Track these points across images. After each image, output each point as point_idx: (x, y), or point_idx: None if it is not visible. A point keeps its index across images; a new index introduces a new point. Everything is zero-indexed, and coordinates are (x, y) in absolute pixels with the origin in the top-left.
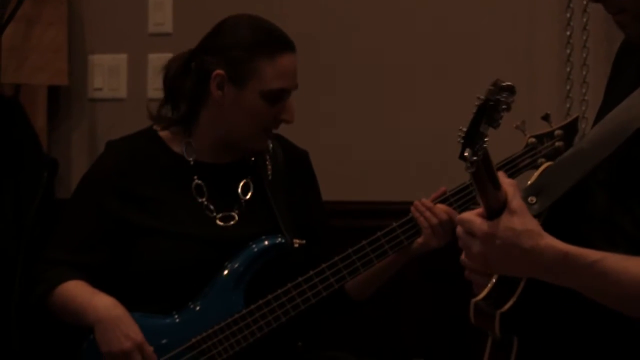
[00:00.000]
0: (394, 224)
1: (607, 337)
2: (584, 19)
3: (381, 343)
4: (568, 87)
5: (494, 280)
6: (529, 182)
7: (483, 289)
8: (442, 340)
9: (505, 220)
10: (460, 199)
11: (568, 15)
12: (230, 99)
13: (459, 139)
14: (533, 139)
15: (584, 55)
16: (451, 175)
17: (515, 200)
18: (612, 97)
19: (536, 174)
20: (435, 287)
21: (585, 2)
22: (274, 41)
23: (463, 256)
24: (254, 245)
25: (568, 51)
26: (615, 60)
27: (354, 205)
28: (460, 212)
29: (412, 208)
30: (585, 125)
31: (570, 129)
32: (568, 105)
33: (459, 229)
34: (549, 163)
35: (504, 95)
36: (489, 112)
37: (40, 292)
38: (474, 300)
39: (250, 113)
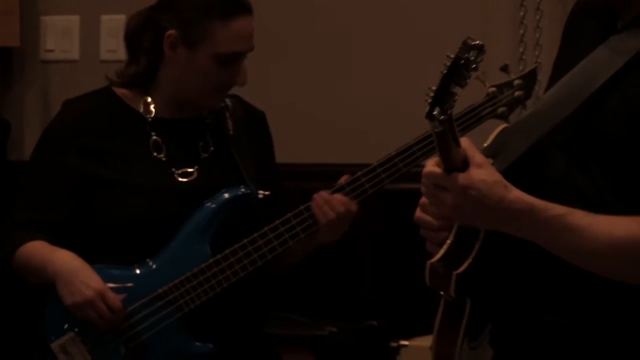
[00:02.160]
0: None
1: (561, 298)
2: None
3: (334, 306)
4: (522, 49)
5: (449, 242)
6: (485, 144)
7: (437, 246)
8: (396, 304)
9: (476, 173)
10: (355, 189)
11: None
12: (183, 59)
13: (427, 98)
14: (493, 89)
15: (538, 17)
16: (400, 138)
17: (478, 155)
18: (568, 59)
19: (492, 135)
20: (389, 249)
21: None
22: (229, 4)
23: (417, 213)
24: (218, 196)
25: (522, 13)
26: (568, 22)
27: (307, 167)
28: (356, 203)
29: (312, 202)
30: (537, 87)
31: (530, 79)
32: (521, 68)
33: (425, 183)
34: (504, 125)
35: (474, 54)
36: (458, 71)
37: (2, 255)
38: (429, 261)
39: (202, 74)
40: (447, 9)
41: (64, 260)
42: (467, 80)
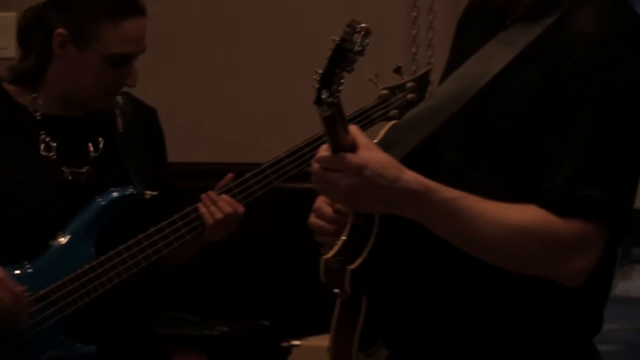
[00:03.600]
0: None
1: (458, 292)
2: None
3: (227, 305)
4: (414, 50)
5: (343, 238)
6: (375, 140)
7: (324, 236)
8: (288, 303)
9: (367, 153)
10: (243, 191)
11: None
12: (72, 59)
13: (314, 84)
14: (385, 91)
15: (430, 18)
16: (289, 138)
17: (365, 139)
18: (459, 54)
19: (383, 130)
20: (281, 248)
21: None
22: (120, 5)
23: (311, 219)
24: (104, 196)
25: (414, 14)
26: (461, 20)
27: (197, 166)
28: (244, 204)
29: (200, 203)
30: (431, 87)
31: (422, 82)
32: (414, 68)
33: (316, 168)
34: (395, 121)
35: (359, 37)
36: (344, 54)
37: None
38: (324, 257)
39: (91, 75)
40: (339, 10)
41: None
42: (354, 65)
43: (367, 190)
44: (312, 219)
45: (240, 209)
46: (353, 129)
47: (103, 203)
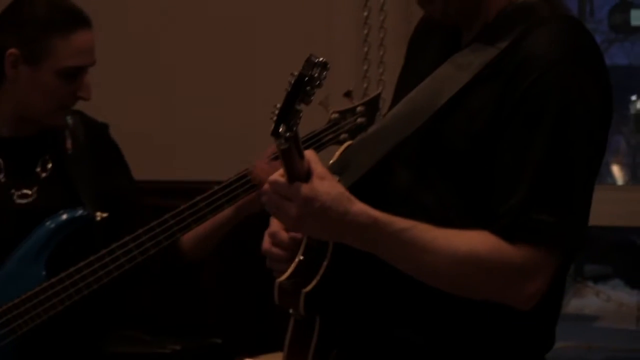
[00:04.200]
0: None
1: (412, 314)
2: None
3: (180, 323)
4: (365, 67)
5: (297, 260)
6: (331, 161)
7: (278, 263)
8: (241, 321)
9: (319, 185)
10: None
11: None
12: (25, 77)
13: (272, 116)
14: (336, 115)
15: (381, 35)
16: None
17: (320, 167)
18: (412, 75)
19: (338, 152)
20: (235, 265)
21: None
22: (68, 18)
23: (265, 245)
24: (53, 218)
25: (365, 31)
26: (413, 38)
27: (162, 184)
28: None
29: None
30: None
31: (372, 106)
32: (365, 85)
33: (268, 191)
34: (350, 142)
35: (317, 70)
36: (303, 87)
37: None
38: (278, 279)
39: (46, 91)
40: (290, 28)
41: None
42: (312, 98)
43: (315, 222)
44: (267, 245)
45: None
46: (309, 155)
47: (52, 226)
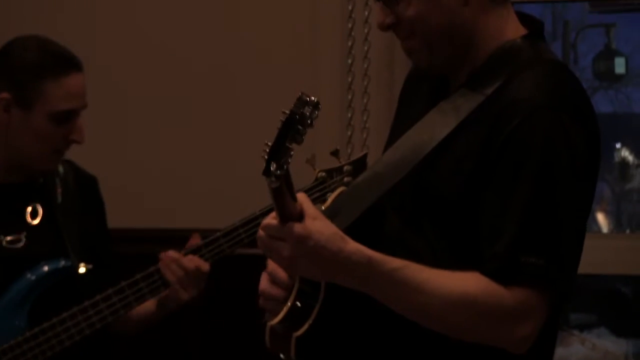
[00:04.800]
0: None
1: (401, 357)
2: (365, 48)
3: None
4: (349, 115)
5: (289, 304)
6: (323, 207)
7: (276, 303)
8: None
9: (312, 224)
10: (212, 250)
11: (350, 43)
12: (18, 122)
13: (263, 154)
14: (323, 173)
15: (365, 83)
16: (243, 203)
17: (312, 208)
18: (402, 122)
19: (331, 198)
20: (228, 309)
21: (366, 31)
22: (59, 62)
23: (263, 284)
24: (34, 270)
25: (350, 79)
26: (404, 87)
27: (146, 232)
28: (211, 263)
29: (160, 262)
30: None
31: (359, 165)
32: (349, 133)
33: (261, 235)
34: (342, 188)
35: (309, 109)
36: (293, 126)
37: None
38: (269, 323)
39: (38, 135)
40: (276, 78)
41: None
42: (303, 137)
43: (310, 261)
44: (265, 284)
45: (205, 266)
46: (301, 197)
47: (33, 278)
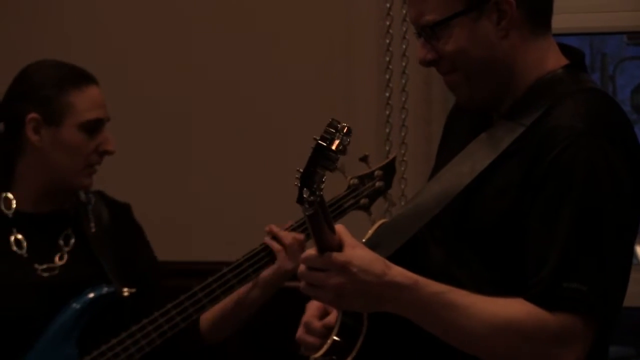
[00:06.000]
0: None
1: None
2: (403, 81)
3: None
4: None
5: (332, 338)
6: (363, 239)
7: (313, 351)
8: None
9: (352, 251)
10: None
11: (387, 77)
12: (49, 140)
13: (296, 182)
14: (355, 180)
15: (403, 116)
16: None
17: (351, 238)
18: (445, 154)
19: (371, 230)
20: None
21: (404, 64)
22: (78, 74)
23: (299, 334)
24: (79, 299)
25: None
26: (448, 119)
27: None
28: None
29: (266, 236)
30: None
31: (389, 170)
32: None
33: (302, 270)
34: (383, 220)
35: (339, 135)
36: (323, 152)
37: None
38: (313, 356)
39: (71, 149)
40: (313, 111)
41: None
42: (335, 163)
43: (354, 288)
44: (301, 333)
45: (301, 236)
46: (340, 229)
47: (78, 307)
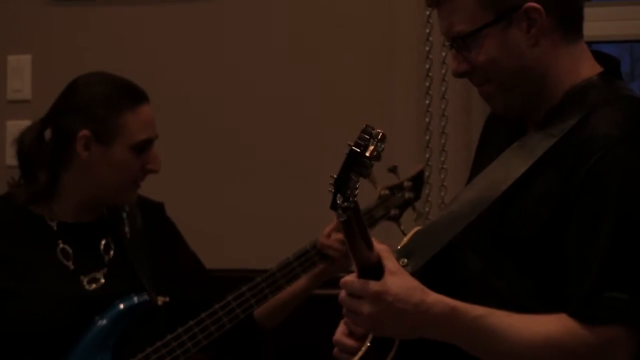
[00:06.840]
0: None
1: None
2: (443, 88)
3: None
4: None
5: (364, 349)
6: (399, 246)
7: (348, 354)
8: None
9: (390, 279)
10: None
11: (427, 84)
12: (99, 157)
13: (330, 188)
14: (385, 191)
15: (443, 124)
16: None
17: (392, 262)
18: (481, 162)
19: (407, 237)
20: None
21: (444, 72)
22: (132, 93)
23: (337, 335)
24: (117, 305)
25: (427, 119)
26: (484, 127)
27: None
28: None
29: (321, 240)
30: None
31: (418, 181)
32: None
33: (342, 294)
34: (419, 227)
35: (373, 142)
36: (357, 158)
37: None
38: None
39: (119, 167)
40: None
41: None
42: (369, 170)
43: (390, 317)
44: (340, 335)
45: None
46: (381, 249)
47: (119, 310)
